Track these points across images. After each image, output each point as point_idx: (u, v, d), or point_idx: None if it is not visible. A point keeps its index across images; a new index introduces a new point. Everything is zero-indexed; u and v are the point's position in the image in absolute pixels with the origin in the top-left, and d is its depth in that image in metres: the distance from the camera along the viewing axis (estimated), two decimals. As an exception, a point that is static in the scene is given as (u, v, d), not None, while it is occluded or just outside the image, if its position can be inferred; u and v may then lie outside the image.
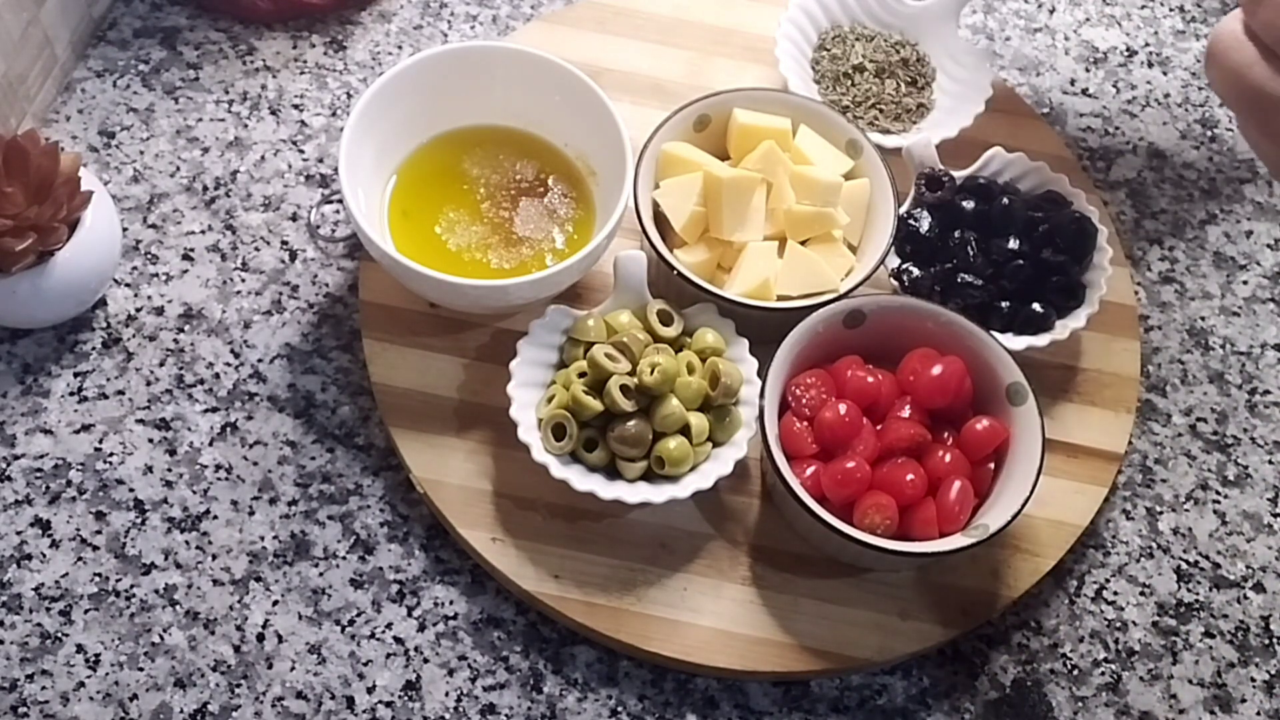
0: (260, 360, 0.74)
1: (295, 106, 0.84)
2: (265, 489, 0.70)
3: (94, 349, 0.74)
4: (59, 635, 0.65)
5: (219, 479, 0.71)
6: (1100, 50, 0.94)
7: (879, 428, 0.69)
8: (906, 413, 0.69)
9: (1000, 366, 0.69)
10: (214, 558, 0.68)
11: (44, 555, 0.67)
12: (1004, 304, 0.74)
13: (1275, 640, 0.71)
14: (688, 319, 0.71)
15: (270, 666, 0.66)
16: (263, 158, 0.82)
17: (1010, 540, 0.70)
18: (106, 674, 0.65)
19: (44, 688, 0.64)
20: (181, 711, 0.64)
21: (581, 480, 0.66)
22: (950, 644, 0.69)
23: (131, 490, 0.70)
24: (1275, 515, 0.76)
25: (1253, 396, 0.80)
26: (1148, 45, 0.95)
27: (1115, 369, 0.77)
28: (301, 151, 0.82)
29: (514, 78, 0.76)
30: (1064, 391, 0.76)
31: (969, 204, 0.76)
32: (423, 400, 0.72)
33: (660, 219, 0.74)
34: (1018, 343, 0.73)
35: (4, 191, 0.67)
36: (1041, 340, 0.74)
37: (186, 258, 0.77)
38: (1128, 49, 0.94)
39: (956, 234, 0.75)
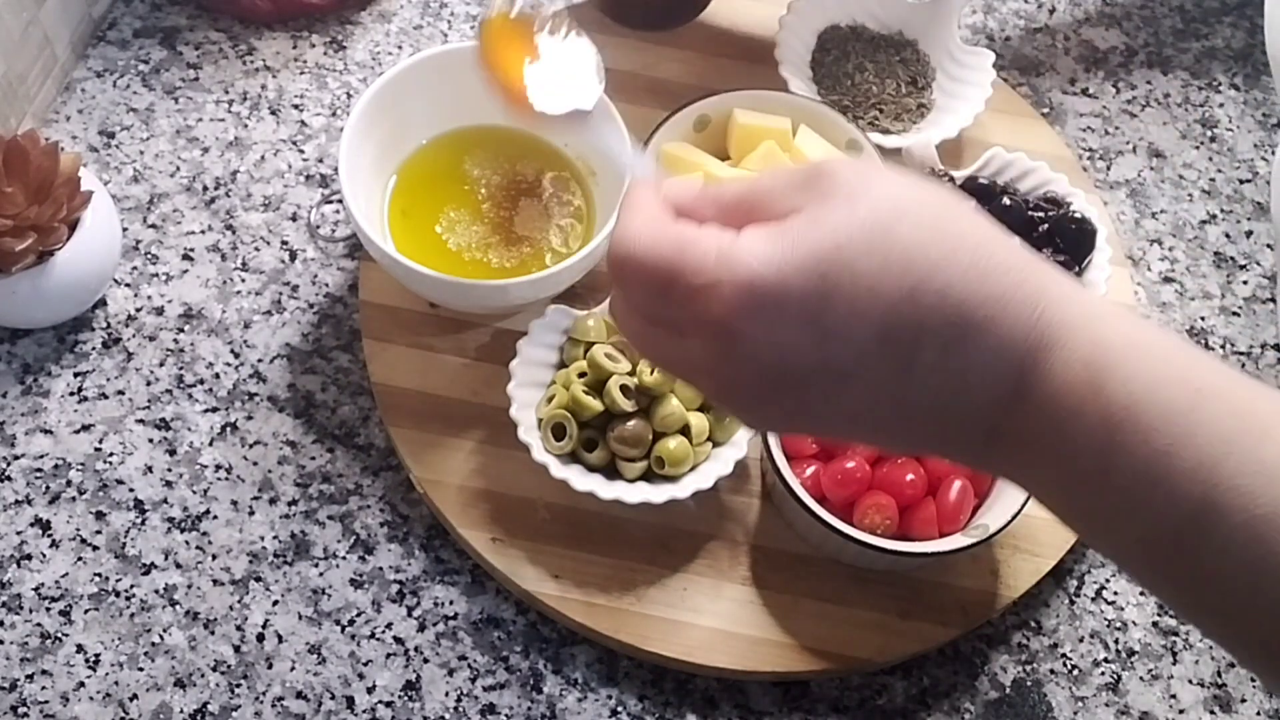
0: (260, 360, 0.74)
1: (295, 106, 0.84)
2: (265, 489, 0.70)
3: (94, 349, 0.74)
4: (59, 635, 0.65)
5: (219, 479, 0.71)
6: (1100, 50, 0.94)
7: (879, 428, 0.69)
8: (906, 413, 0.69)
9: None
10: (214, 558, 0.68)
11: (44, 555, 0.67)
12: (1004, 304, 0.74)
13: (1275, 640, 0.71)
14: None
15: (270, 666, 0.66)
16: (263, 158, 0.82)
17: (1010, 540, 0.70)
18: (106, 674, 0.65)
19: (44, 688, 0.64)
20: (181, 711, 0.64)
21: (581, 480, 0.66)
22: (950, 644, 0.69)
23: (131, 490, 0.70)
24: (1275, 515, 0.75)
25: (1253, 396, 0.80)
26: (1148, 45, 0.95)
27: (1115, 369, 0.77)
28: (301, 151, 0.82)
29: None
30: (1064, 391, 0.76)
31: (969, 204, 0.76)
32: (423, 400, 0.72)
33: (660, 219, 0.74)
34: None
35: (4, 191, 0.67)
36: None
37: (186, 258, 0.77)
38: (1128, 49, 0.94)
39: (956, 234, 0.75)
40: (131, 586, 0.67)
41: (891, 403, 0.40)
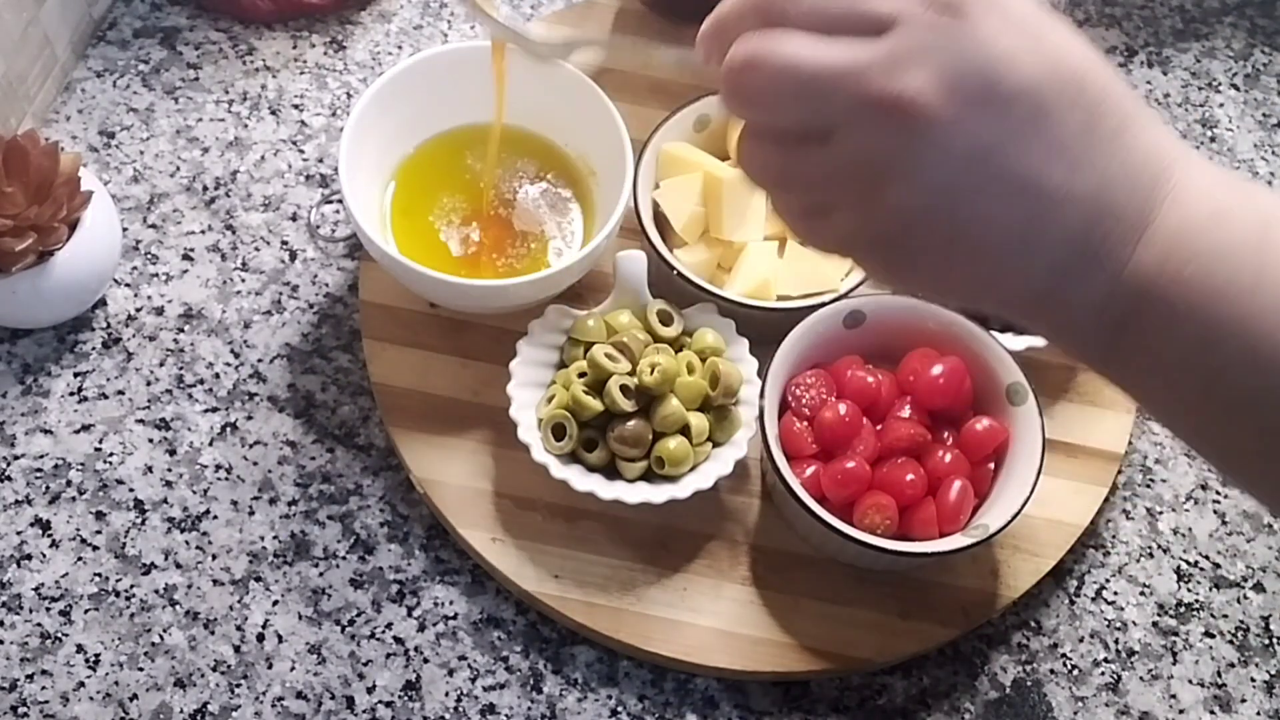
0: (260, 360, 0.74)
1: (295, 106, 0.84)
2: (265, 489, 0.70)
3: (94, 349, 0.74)
4: (59, 635, 0.65)
5: (219, 479, 0.71)
6: (1100, 50, 0.94)
7: (879, 428, 0.69)
8: (906, 413, 0.69)
9: (1000, 366, 0.69)
10: (214, 558, 0.68)
11: (44, 555, 0.67)
12: (1004, 304, 0.74)
13: (1275, 640, 0.71)
14: (688, 319, 0.71)
15: (270, 666, 0.66)
16: (263, 158, 0.82)
17: (1010, 540, 0.70)
18: (106, 674, 0.65)
19: (44, 688, 0.64)
20: (181, 711, 0.64)
21: (581, 480, 0.66)
22: (950, 644, 0.69)
23: (131, 490, 0.70)
24: (1275, 515, 0.76)
25: (1253, 396, 0.80)
26: (1148, 45, 0.95)
27: (1115, 369, 0.77)
28: (301, 151, 0.82)
29: (514, 77, 0.76)
30: (1064, 391, 0.76)
31: (969, 204, 0.76)
32: (423, 400, 0.72)
33: (660, 219, 0.74)
34: (1018, 343, 0.72)
35: (4, 191, 0.67)
36: (1041, 340, 0.73)
37: (186, 258, 0.77)
38: (1128, 49, 0.94)
39: (956, 234, 0.75)
40: (131, 586, 0.67)
41: (1066, 168, 0.39)
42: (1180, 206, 0.39)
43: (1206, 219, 0.39)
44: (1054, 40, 0.39)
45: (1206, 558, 0.74)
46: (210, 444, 0.72)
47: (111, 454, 0.71)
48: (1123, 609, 0.72)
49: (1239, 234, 0.39)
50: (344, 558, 0.69)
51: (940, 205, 0.39)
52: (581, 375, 0.68)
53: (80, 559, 0.68)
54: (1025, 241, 0.39)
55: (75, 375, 0.73)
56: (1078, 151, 0.39)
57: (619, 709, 0.66)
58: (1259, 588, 0.73)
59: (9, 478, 0.69)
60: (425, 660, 0.66)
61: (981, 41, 0.38)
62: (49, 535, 0.68)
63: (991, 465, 0.69)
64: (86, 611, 0.66)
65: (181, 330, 0.75)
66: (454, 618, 0.68)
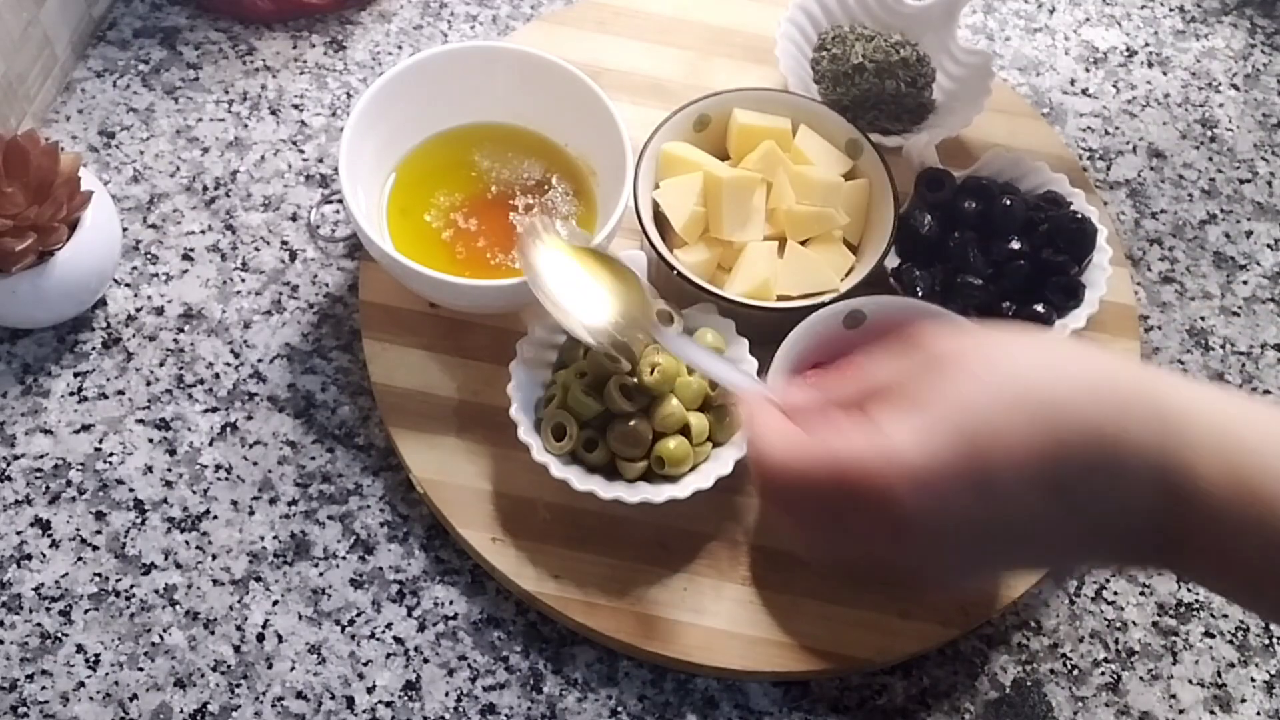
0: (260, 360, 0.74)
1: (295, 106, 0.84)
2: (265, 489, 0.71)
3: (94, 349, 0.74)
4: (59, 635, 0.65)
5: (219, 479, 0.71)
6: (1100, 50, 0.94)
7: (879, 428, 0.69)
8: (906, 413, 0.69)
9: (1000, 366, 0.69)
10: (214, 558, 0.68)
11: (44, 555, 0.68)
12: (1004, 304, 0.74)
13: (1275, 640, 0.71)
14: (688, 319, 0.71)
15: (270, 666, 0.66)
16: (263, 158, 0.82)
17: (1010, 540, 0.70)
18: (106, 674, 0.65)
19: (44, 688, 0.64)
20: (181, 711, 0.64)
21: (581, 480, 0.66)
22: (950, 644, 0.69)
23: (131, 490, 0.70)
24: (1275, 515, 0.75)
25: (1253, 396, 0.80)
26: (1148, 45, 0.95)
27: (1115, 369, 0.77)
28: (301, 151, 0.82)
29: (514, 78, 0.76)
30: (1064, 391, 0.76)
31: (969, 204, 0.76)
32: (423, 400, 0.72)
33: (660, 219, 0.74)
34: (1018, 343, 0.72)
35: (4, 191, 0.67)
36: (1041, 340, 0.73)
37: (186, 258, 0.77)
38: (1128, 49, 0.94)
39: (957, 234, 0.75)
40: (131, 586, 0.67)
41: (1063, 537, 0.43)
42: (1188, 510, 0.42)
43: (1214, 521, 0.42)
44: (1002, 477, 0.42)
45: (1206, 558, 0.74)
46: (210, 444, 0.72)
47: (111, 454, 0.71)
48: (1123, 609, 0.72)
49: (1251, 530, 0.42)
50: (344, 558, 0.69)
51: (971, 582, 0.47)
52: (581, 375, 0.68)
53: (80, 559, 0.68)
54: (1070, 561, 0.48)
55: (75, 375, 0.73)
56: (1066, 527, 0.43)
57: (619, 709, 0.66)
58: (1259, 588, 0.73)
59: (9, 478, 0.70)
60: (425, 660, 0.66)
61: (938, 529, 0.42)
62: (49, 535, 0.68)
63: (991, 465, 0.69)
64: (86, 611, 0.66)
65: (181, 330, 0.75)
66: (454, 618, 0.68)
